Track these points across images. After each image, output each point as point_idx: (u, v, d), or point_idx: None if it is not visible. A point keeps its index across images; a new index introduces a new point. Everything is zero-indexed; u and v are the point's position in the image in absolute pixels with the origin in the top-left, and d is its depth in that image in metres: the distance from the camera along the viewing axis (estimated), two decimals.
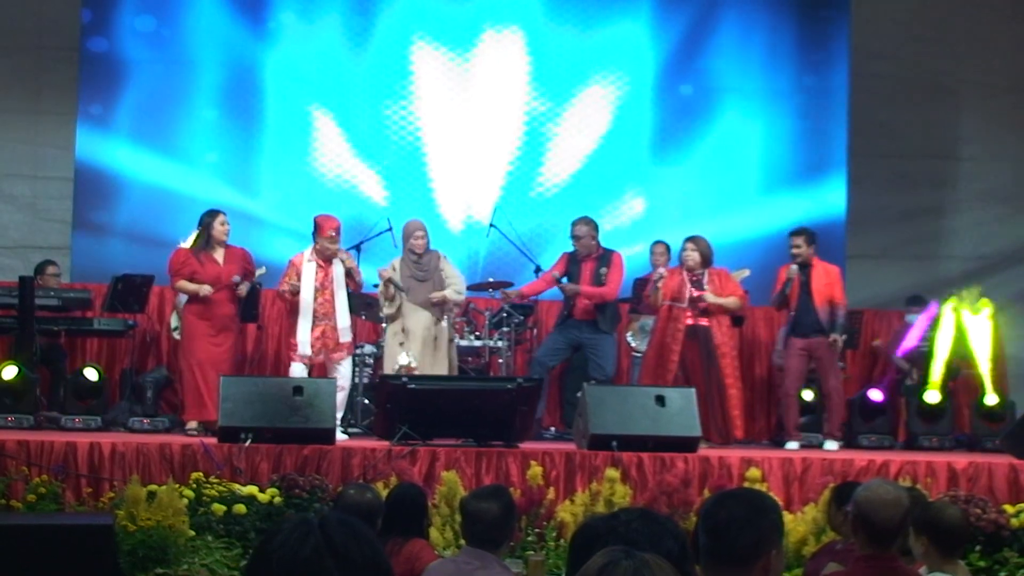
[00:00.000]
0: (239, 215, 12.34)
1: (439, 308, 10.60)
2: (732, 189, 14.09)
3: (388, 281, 10.53)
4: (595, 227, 11.20)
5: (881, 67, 14.07)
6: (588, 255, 11.12)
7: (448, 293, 10.60)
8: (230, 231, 10.45)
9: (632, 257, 12.19)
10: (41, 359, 10.82)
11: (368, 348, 11.59)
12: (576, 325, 11.14)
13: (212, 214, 10.43)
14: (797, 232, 11.01)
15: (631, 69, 14.06)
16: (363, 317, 11.59)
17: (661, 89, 14.11)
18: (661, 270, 10.89)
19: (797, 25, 14.37)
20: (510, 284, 11.97)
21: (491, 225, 12.16)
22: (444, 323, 10.63)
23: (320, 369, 10.41)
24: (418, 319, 10.55)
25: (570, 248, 11.31)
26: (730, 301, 10.61)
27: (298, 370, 10.21)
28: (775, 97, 14.23)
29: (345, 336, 10.33)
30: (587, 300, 11.11)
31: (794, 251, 10.88)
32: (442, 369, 10.53)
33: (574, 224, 11.22)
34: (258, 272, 10.68)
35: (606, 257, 11.15)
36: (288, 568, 2.13)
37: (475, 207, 13.68)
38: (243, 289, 10.36)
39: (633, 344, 11.91)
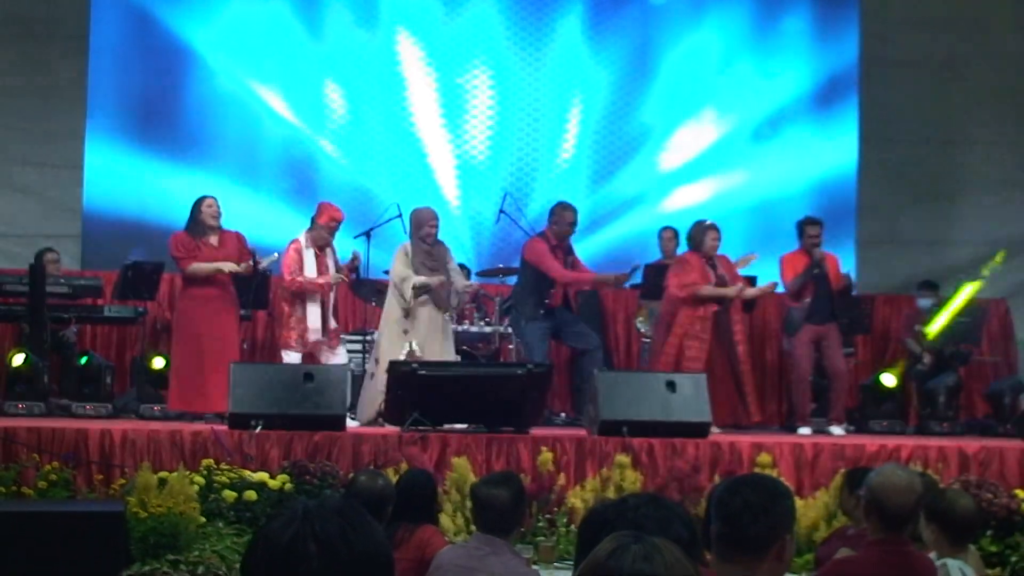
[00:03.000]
0: (245, 201, 12.46)
1: (445, 299, 10.45)
2: (741, 177, 14.09)
3: (422, 287, 10.37)
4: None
5: (892, 52, 14.03)
6: (561, 242, 10.98)
7: (472, 284, 10.88)
8: (220, 214, 10.20)
9: (633, 234, 12.15)
10: (52, 346, 10.83)
11: (378, 334, 11.55)
12: (551, 313, 10.87)
13: (199, 199, 10.24)
14: (816, 222, 11.00)
15: (632, 56, 14.08)
16: (373, 303, 11.58)
17: (664, 79, 14.11)
18: (755, 256, 10.94)
19: (807, 11, 14.35)
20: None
21: (501, 211, 12.13)
22: (450, 314, 10.54)
23: (310, 358, 10.33)
24: (425, 309, 10.41)
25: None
26: (753, 291, 10.79)
27: (293, 359, 10.19)
28: (785, 82, 14.21)
29: (333, 323, 10.42)
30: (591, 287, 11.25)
31: (816, 240, 10.86)
32: (448, 358, 10.39)
33: (569, 209, 10.95)
34: (270, 259, 10.57)
35: (571, 246, 11.07)
36: (270, 554, 2.13)
37: (480, 194, 13.74)
38: (263, 263, 10.22)
39: (643, 330, 11.87)
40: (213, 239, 10.14)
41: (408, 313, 10.33)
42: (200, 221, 10.13)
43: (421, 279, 10.31)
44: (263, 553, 2.14)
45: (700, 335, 10.44)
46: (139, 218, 13.22)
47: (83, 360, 10.96)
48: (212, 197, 10.26)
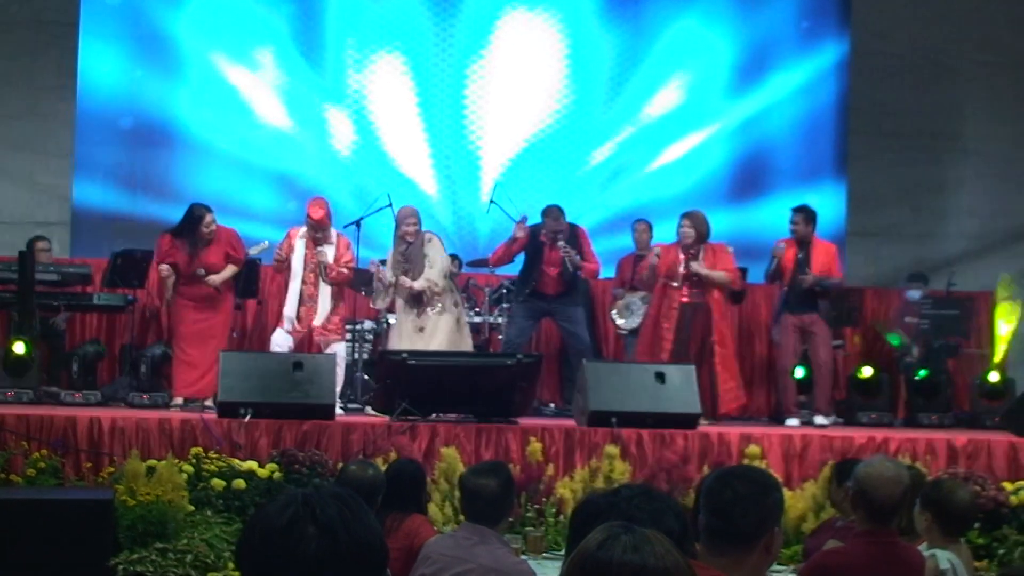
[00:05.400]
0: (232, 188, 12.45)
1: (418, 299, 10.39)
2: (731, 170, 14.09)
3: (380, 281, 10.46)
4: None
5: (882, 45, 14.04)
6: (554, 236, 11.07)
7: (417, 284, 10.35)
8: (215, 227, 10.34)
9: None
10: (41, 334, 10.80)
11: (368, 324, 11.58)
12: (542, 298, 11.11)
13: (200, 213, 10.29)
14: (797, 209, 11.01)
15: (619, 43, 14.08)
16: (363, 293, 11.58)
17: (654, 76, 14.09)
18: (654, 258, 10.85)
19: (798, 4, 14.33)
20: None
21: (491, 201, 12.13)
22: (430, 312, 10.38)
23: (303, 345, 10.37)
24: (404, 310, 10.46)
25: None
26: (718, 275, 10.49)
27: (280, 337, 10.24)
28: (776, 76, 14.20)
29: (324, 320, 10.31)
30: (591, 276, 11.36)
31: (792, 227, 10.90)
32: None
33: (545, 212, 11.15)
34: (260, 247, 10.61)
35: (574, 236, 11.14)
36: (267, 538, 2.13)
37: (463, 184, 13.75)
38: (214, 280, 10.23)
39: (619, 322, 11.80)
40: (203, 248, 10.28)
41: (420, 314, 10.42)
42: (200, 236, 10.24)
43: (379, 273, 10.51)
44: (261, 535, 2.14)
45: (666, 327, 10.44)
46: (129, 206, 13.21)
47: (97, 349, 10.94)
48: (210, 213, 10.30)
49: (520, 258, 11.30)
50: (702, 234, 10.59)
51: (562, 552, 7.04)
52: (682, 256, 10.50)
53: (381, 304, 10.69)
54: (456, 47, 13.91)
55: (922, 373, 11.56)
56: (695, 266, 10.43)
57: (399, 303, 10.48)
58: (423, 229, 10.62)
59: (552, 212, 11.13)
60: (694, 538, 3.25)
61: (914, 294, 12.30)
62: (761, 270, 11.40)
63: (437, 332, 10.33)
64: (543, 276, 11.08)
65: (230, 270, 10.36)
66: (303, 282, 10.32)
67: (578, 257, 10.97)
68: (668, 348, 10.33)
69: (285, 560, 2.11)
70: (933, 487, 5.34)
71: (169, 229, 10.44)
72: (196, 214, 10.31)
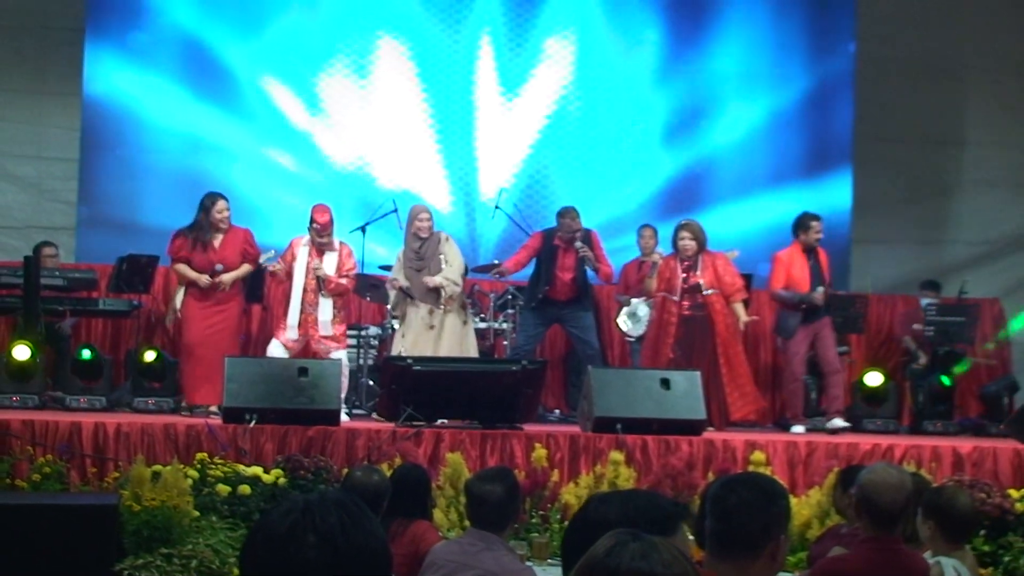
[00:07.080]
0: (241, 195, 12.46)
1: (435, 296, 10.42)
2: (738, 177, 14.08)
3: (400, 290, 10.46)
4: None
5: (887, 52, 14.03)
6: (568, 241, 11.08)
7: (436, 279, 10.36)
8: (230, 216, 10.34)
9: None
10: (46, 339, 10.79)
11: (373, 330, 11.57)
12: (553, 303, 11.12)
13: (212, 199, 10.29)
14: (816, 216, 10.94)
15: (634, 58, 14.07)
16: (368, 298, 11.58)
17: (665, 78, 14.09)
18: (656, 256, 10.87)
19: (802, 10, 14.34)
20: None
21: (496, 207, 12.14)
22: (442, 310, 10.46)
23: (303, 354, 10.36)
24: (416, 309, 10.44)
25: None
26: (739, 310, 10.54)
27: (275, 348, 10.21)
28: (781, 82, 14.20)
29: (326, 330, 10.23)
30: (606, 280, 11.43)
31: (816, 236, 10.82)
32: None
33: (560, 215, 11.17)
34: (266, 255, 10.60)
35: (587, 239, 11.13)
36: (268, 545, 2.14)
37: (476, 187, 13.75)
38: (225, 279, 10.19)
39: (625, 329, 11.78)
40: (216, 239, 10.22)
41: (406, 316, 10.40)
42: (211, 223, 10.23)
43: (400, 284, 10.44)
44: (262, 542, 2.15)
45: (667, 340, 10.43)
46: (134, 211, 13.21)
47: (87, 355, 10.95)
48: (224, 199, 10.30)
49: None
50: (700, 243, 10.58)
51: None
52: (679, 268, 10.49)
53: (398, 313, 10.65)
54: (464, 51, 13.92)
55: (945, 382, 11.49)
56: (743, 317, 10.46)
57: (411, 301, 10.46)
58: (435, 229, 10.65)
59: (569, 213, 11.11)
60: (698, 544, 3.25)
61: (926, 301, 12.26)
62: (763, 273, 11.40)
63: (445, 331, 10.35)
64: (556, 281, 11.04)
65: (244, 268, 10.33)
66: (304, 289, 10.29)
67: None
68: (668, 361, 10.30)
69: (285, 567, 2.12)
70: (934, 495, 5.34)
71: (182, 228, 10.40)
72: (207, 201, 10.28)
